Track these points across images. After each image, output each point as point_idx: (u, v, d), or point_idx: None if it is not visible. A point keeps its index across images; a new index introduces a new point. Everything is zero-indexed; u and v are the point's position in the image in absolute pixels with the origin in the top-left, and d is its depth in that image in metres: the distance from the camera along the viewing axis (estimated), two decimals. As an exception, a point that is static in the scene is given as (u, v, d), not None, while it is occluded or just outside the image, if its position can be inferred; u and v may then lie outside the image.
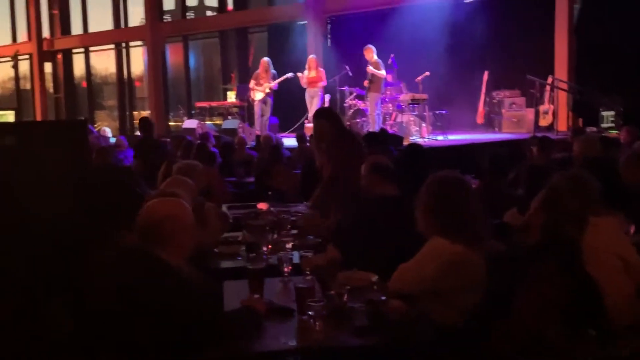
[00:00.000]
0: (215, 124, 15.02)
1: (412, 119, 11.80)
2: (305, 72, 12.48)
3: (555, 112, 12.33)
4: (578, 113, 12.22)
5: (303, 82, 12.32)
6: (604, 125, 11.24)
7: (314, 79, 12.40)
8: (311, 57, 12.83)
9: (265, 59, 12.86)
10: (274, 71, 12.57)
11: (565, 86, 12.37)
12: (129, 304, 2.51)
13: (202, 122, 14.29)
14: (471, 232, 2.94)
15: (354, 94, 12.54)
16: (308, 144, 9.19)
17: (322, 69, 12.62)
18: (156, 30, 19.73)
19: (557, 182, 2.98)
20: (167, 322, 2.48)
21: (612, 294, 2.71)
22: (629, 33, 11.66)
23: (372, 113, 11.63)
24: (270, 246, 3.88)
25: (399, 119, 11.88)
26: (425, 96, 12.10)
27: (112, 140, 12.19)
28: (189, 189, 3.89)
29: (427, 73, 12.12)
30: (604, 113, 11.42)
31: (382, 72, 11.56)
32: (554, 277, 2.55)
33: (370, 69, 11.62)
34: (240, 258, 3.90)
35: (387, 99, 12.12)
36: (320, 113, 5.95)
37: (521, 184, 4.63)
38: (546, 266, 2.58)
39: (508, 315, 2.66)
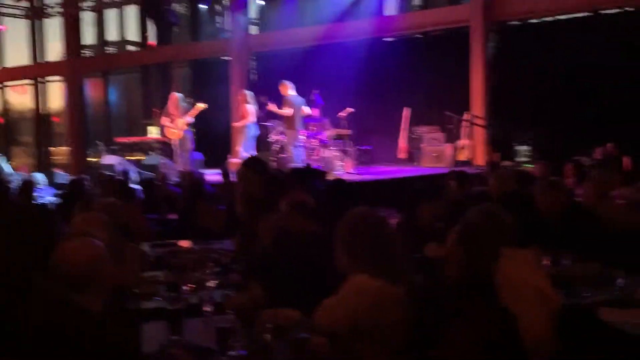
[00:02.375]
0: (137, 160, 14.76)
1: (336, 154, 11.94)
2: (237, 105, 12.49)
3: (473, 147, 12.73)
4: (494, 148, 12.64)
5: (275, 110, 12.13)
6: (519, 159, 11.67)
7: (239, 115, 12.42)
8: (239, 91, 12.84)
9: (175, 94, 12.68)
10: (184, 104, 12.41)
11: (481, 122, 12.79)
12: (43, 355, 2.40)
13: (122, 158, 14.01)
14: (391, 267, 2.97)
15: (279, 129, 12.61)
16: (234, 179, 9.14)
17: (248, 105, 12.62)
18: (75, 66, 19.34)
19: (471, 217, 3.04)
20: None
21: (528, 327, 2.77)
22: (542, 70, 12.22)
23: (289, 149, 11.72)
24: (191, 285, 3.81)
25: (323, 154, 12.00)
26: (349, 132, 12.31)
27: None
28: (105, 226, 3.78)
29: (351, 109, 12.34)
30: (519, 147, 11.87)
31: (285, 111, 11.67)
32: (471, 314, 2.59)
33: (273, 106, 11.77)
34: (159, 298, 3.80)
35: (311, 135, 12.24)
36: (247, 164, 5.56)
37: (440, 217, 4.72)
38: (464, 302, 2.62)
39: (430, 352, 2.69)
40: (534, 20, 13.38)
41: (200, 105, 12.45)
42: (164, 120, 12.46)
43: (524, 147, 11.88)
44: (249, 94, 12.52)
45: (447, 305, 2.81)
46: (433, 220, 4.75)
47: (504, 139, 12.24)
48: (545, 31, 13.05)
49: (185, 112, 12.33)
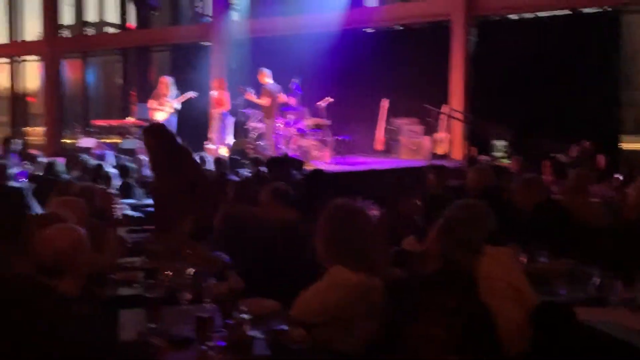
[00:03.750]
0: (114, 143, 14.61)
1: (314, 143, 11.93)
2: (214, 92, 12.45)
3: (450, 140, 12.79)
4: (472, 142, 12.72)
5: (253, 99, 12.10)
6: (496, 154, 11.76)
7: (215, 101, 12.36)
8: (216, 78, 12.79)
9: (167, 77, 12.67)
10: (175, 90, 12.41)
11: (460, 116, 12.86)
12: (18, 340, 2.37)
13: (100, 141, 13.86)
14: (371, 260, 2.99)
15: (257, 116, 12.57)
16: (210, 166, 9.10)
17: (226, 92, 12.57)
18: (53, 46, 19.05)
19: (452, 212, 3.07)
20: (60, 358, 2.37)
21: (504, 323, 2.81)
22: (521, 66, 12.30)
23: (269, 138, 11.70)
24: (169, 272, 3.79)
25: (300, 143, 11.98)
26: (327, 122, 12.29)
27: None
28: (80, 211, 3.76)
29: (330, 99, 12.32)
30: (496, 143, 11.95)
31: (262, 100, 11.67)
32: (449, 307, 2.62)
33: (251, 95, 11.76)
34: (137, 285, 3.78)
35: (289, 124, 12.21)
36: (147, 131, 6.01)
37: (418, 211, 4.76)
38: (442, 295, 2.65)
39: (405, 344, 2.71)
40: (514, 17, 13.46)
41: (191, 93, 12.44)
42: (151, 103, 12.39)
43: (501, 143, 11.96)
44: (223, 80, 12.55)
45: (424, 298, 2.83)
46: (411, 214, 4.78)
47: (482, 134, 12.31)
48: (525, 27, 13.13)
49: (174, 96, 12.28)
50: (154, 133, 5.82)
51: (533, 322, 2.91)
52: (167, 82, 12.39)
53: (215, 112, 12.50)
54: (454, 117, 12.79)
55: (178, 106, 12.29)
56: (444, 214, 3.12)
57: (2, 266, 2.96)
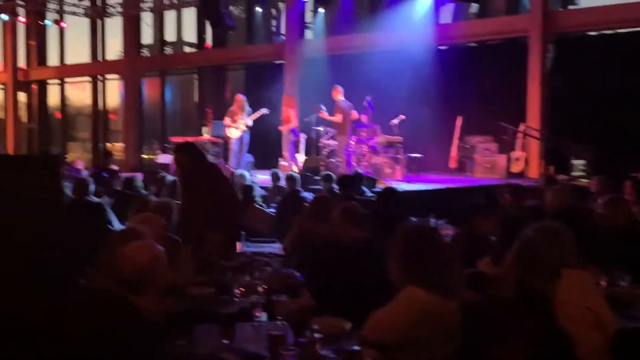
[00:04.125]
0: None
1: (386, 161, 11.89)
2: (283, 110, 12.63)
3: (527, 158, 12.51)
4: (549, 161, 12.41)
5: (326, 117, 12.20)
6: (575, 173, 11.42)
7: (283, 119, 12.53)
8: (284, 96, 12.96)
9: (241, 95, 12.92)
10: (248, 108, 12.64)
11: (536, 134, 12.58)
12: (100, 353, 2.44)
13: (177, 158, 14.19)
14: (445, 282, 2.93)
15: (329, 133, 12.63)
16: (283, 183, 9.19)
17: (293, 109, 12.69)
18: (133, 65, 19.75)
19: (530, 235, 2.98)
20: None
21: (583, 349, 2.71)
22: (600, 83, 11.95)
23: (341, 155, 11.71)
24: (242, 289, 3.83)
25: (373, 161, 11.96)
26: (400, 139, 12.22)
27: (84, 173, 12.04)
28: (160, 228, 3.84)
29: (402, 116, 12.26)
30: (575, 161, 11.61)
31: (335, 118, 11.65)
32: (526, 332, 2.54)
33: (323, 112, 11.80)
34: (211, 301, 3.83)
35: (361, 141, 12.21)
36: (178, 148, 6.05)
37: (495, 232, 4.65)
38: (519, 320, 2.57)
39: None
40: (593, 33, 13.12)
41: (263, 111, 12.65)
42: (226, 120, 12.67)
43: (580, 161, 11.61)
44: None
45: (501, 323, 2.76)
46: (487, 234, 4.68)
47: (559, 152, 12.00)
48: (605, 44, 12.76)
49: (248, 114, 12.52)
50: (185, 151, 5.90)
51: (613, 348, 2.80)
52: (241, 100, 12.64)
53: (284, 129, 12.65)
54: (530, 135, 12.51)
55: (250, 123, 12.50)
56: (521, 236, 3.03)
57: (84, 279, 3.06)
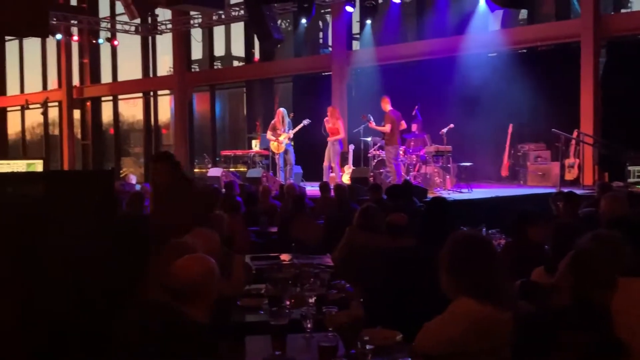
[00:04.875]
0: (239, 172, 15.13)
1: (436, 170, 11.80)
2: (328, 121, 12.64)
3: (580, 166, 12.25)
4: (604, 167, 12.13)
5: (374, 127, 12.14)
6: (631, 180, 11.13)
7: (331, 130, 12.55)
8: (330, 107, 12.98)
9: (281, 109, 13.06)
10: (289, 120, 12.75)
11: (590, 140, 12.32)
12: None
13: (227, 170, 14.40)
14: (498, 292, 2.88)
15: (378, 144, 12.60)
16: (332, 194, 9.21)
17: (340, 120, 12.69)
18: (184, 80, 20.12)
19: (585, 244, 2.91)
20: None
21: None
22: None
23: (391, 165, 11.65)
24: (292, 300, 3.83)
25: (422, 170, 11.89)
26: (449, 148, 12.11)
27: (137, 187, 12.27)
28: (213, 242, 3.88)
29: (452, 125, 12.16)
30: (631, 168, 11.32)
31: (384, 127, 11.58)
32: (582, 344, 2.49)
33: (372, 122, 11.77)
34: (262, 312, 3.86)
35: (410, 150, 12.15)
36: (158, 157, 5.76)
37: (548, 241, 4.56)
38: (575, 332, 2.52)
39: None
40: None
41: (305, 122, 12.73)
42: (268, 134, 12.80)
43: (636, 168, 11.31)
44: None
45: (556, 335, 2.70)
46: (540, 244, 4.59)
47: (614, 159, 11.72)
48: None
49: (289, 126, 12.62)
50: (166, 160, 5.75)
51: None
52: (282, 114, 12.77)
53: (331, 140, 12.68)
54: (584, 142, 12.25)
55: (291, 135, 12.63)
56: (576, 245, 2.97)
57: (137, 290, 3.11)
